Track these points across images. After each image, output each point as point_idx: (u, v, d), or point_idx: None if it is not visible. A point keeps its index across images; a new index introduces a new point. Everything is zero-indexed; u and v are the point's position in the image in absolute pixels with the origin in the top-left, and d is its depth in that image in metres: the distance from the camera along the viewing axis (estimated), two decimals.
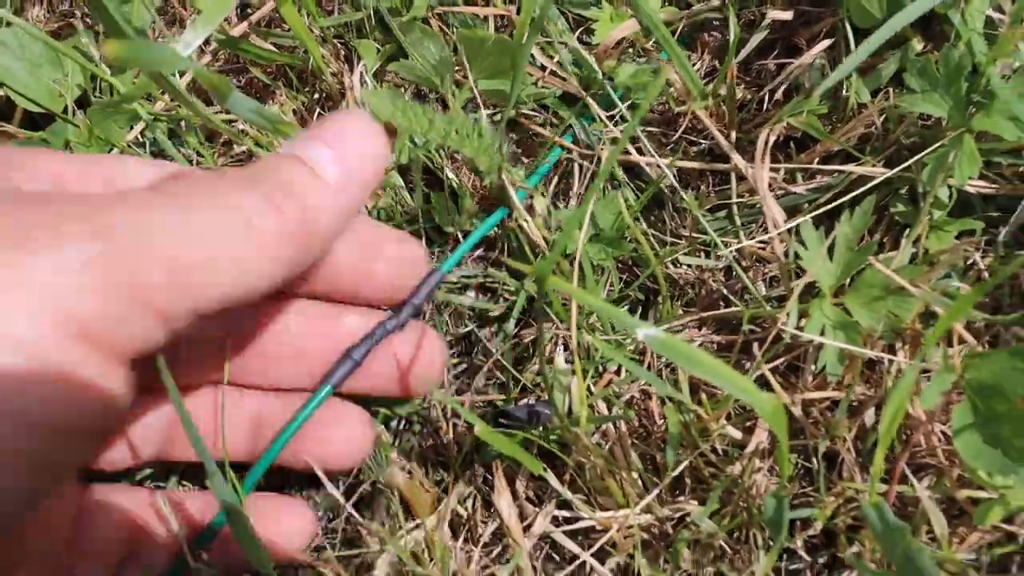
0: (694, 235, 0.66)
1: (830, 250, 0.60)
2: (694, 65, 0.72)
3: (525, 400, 0.63)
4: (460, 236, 0.69)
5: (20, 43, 0.74)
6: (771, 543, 0.57)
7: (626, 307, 0.67)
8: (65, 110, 0.74)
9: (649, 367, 0.63)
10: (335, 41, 0.75)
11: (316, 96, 0.76)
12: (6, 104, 0.77)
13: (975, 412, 0.52)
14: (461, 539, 0.61)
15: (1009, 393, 0.51)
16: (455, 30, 0.71)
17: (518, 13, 0.70)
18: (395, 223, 0.70)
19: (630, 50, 0.72)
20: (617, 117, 0.69)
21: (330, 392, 0.58)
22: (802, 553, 0.57)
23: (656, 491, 0.58)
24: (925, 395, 0.52)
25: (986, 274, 0.60)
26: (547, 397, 0.59)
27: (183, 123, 0.72)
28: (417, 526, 0.60)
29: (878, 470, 0.49)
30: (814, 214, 0.62)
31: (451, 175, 0.69)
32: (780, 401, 0.46)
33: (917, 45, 0.64)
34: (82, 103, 0.75)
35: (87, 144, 0.72)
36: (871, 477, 0.51)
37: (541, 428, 0.60)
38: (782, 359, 0.61)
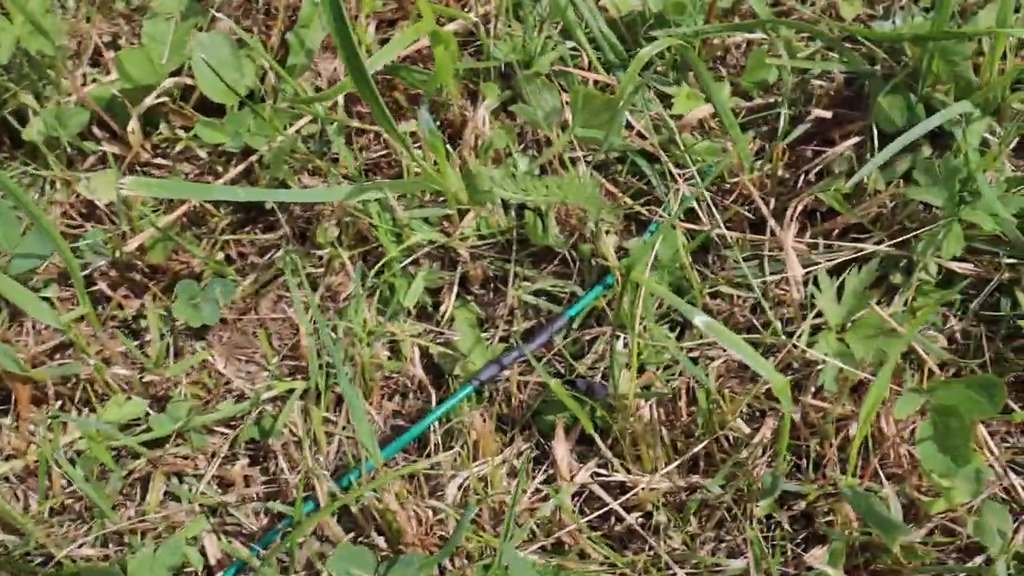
0: (731, 273, 0.83)
1: (838, 297, 0.77)
2: (748, 145, 0.89)
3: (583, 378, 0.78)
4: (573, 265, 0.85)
5: (214, 45, 0.92)
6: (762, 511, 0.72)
7: (668, 325, 0.83)
8: (241, 104, 0.91)
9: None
10: (464, 81, 0.92)
11: (438, 124, 0.93)
12: (183, 93, 0.95)
13: (935, 427, 0.68)
14: (514, 483, 0.76)
15: (964, 414, 0.67)
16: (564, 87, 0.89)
17: (618, 81, 0.88)
18: (490, 232, 0.87)
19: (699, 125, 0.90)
20: (684, 176, 0.86)
21: (471, 390, 0.76)
22: (786, 525, 0.72)
23: (678, 461, 0.74)
24: (898, 406, 0.67)
25: (959, 335, 0.77)
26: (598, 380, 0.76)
27: (334, 124, 0.90)
28: (483, 464, 0.75)
29: (855, 452, 0.65)
30: (828, 265, 0.79)
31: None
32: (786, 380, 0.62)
33: (926, 150, 0.82)
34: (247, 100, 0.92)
35: (255, 133, 0.90)
36: (849, 464, 0.66)
37: (595, 399, 0.75)
38: (789, 377, 0.77)
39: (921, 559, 0.67)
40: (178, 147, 0.93)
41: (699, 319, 0.62)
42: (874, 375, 0.70)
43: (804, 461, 0.74)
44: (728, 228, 0.85)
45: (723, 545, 0.73)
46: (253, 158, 0.91)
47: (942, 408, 0.67)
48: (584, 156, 0.87)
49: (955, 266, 0.77)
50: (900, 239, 0.79)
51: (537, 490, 0.76)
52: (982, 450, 0.71)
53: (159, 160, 0.95)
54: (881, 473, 0.71)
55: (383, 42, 0.97)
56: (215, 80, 0.91)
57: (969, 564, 0.69)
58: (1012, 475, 0.71)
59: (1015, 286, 0.76)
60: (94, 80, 0.97)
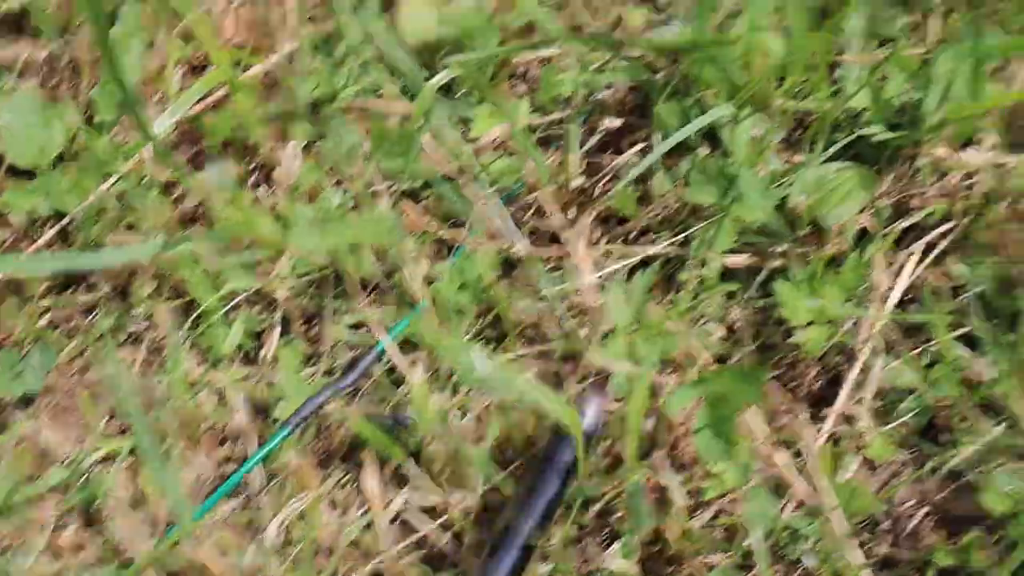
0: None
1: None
2: (548, 158, 0.93)
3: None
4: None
5: (19, 107, 0.92)
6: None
7: (482, 341, 0.86)
8: (53, 165, 0.92)
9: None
10: (274, 121, 0.95)
11: (252, 167, 0.95)
12: None
13: (709, 415, 0.72)
14: (336, 513, 0.79)
15: (733, 402, 0.71)
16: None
17: None
18: (307, 271, 0.89)
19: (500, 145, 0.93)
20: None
21: (288, 432, 0.79)
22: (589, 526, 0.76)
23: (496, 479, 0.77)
24: (673, 401, 0.71)
25: (738, 323, 0.81)
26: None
27: (147, 177, 0.91)
28: (302, 499, 0.78)
29: (633, 449, 0.69)
30: (621, 269, 0.83)
31: None
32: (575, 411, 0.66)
33: (703, 151, 0.86)
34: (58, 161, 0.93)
35: (67, 192, 0.91)
36: (630, 459, 0.70)
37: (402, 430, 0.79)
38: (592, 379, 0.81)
39: (697, 543, 0.71)
40: None
41: (480, 363, 0.65)
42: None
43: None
44: (531, 242, 0.88)
45: None
46: (66, 220, 0.93)
47: (714, 396, 0.72)
48: (389, 187, 0.90)
49: (729, 260, 0.82)
50: (684, 237, 0.84)
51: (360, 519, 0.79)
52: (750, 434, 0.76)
53: None
54: (669, 466, 0.75)
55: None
56: (22, 146, 0.92)
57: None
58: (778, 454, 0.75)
59: (785, 273, 0.81)
60: None
